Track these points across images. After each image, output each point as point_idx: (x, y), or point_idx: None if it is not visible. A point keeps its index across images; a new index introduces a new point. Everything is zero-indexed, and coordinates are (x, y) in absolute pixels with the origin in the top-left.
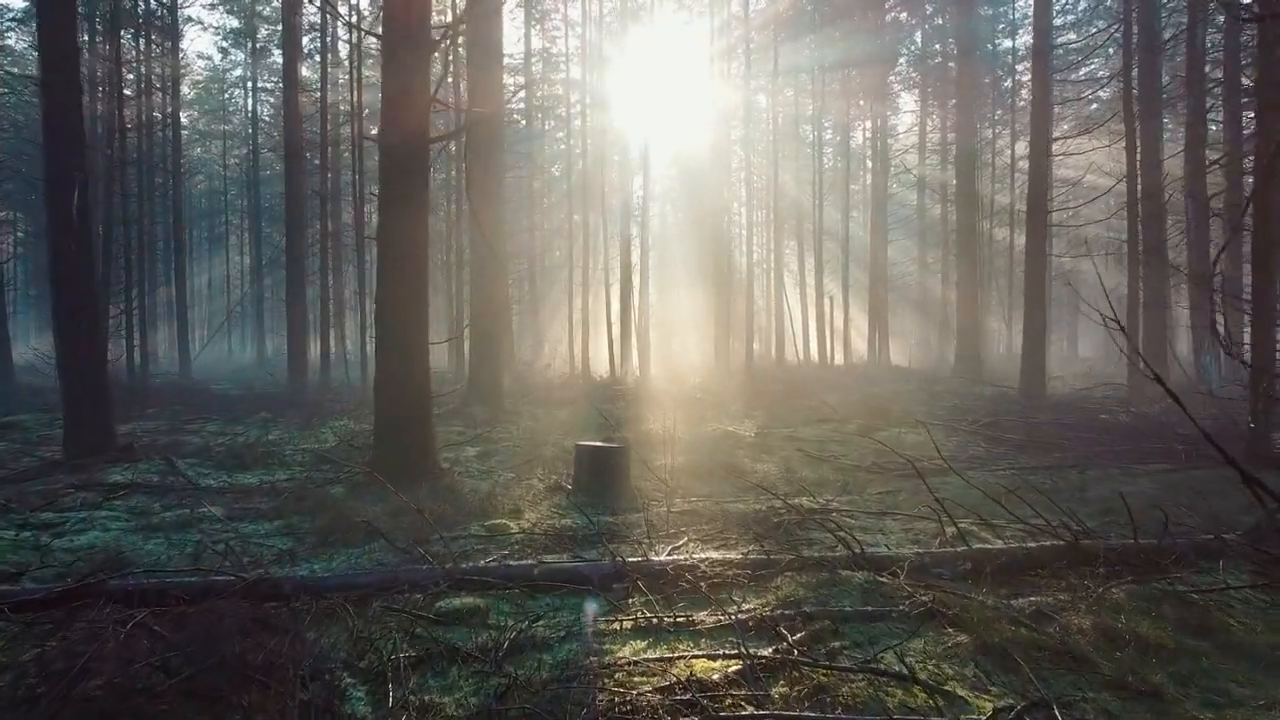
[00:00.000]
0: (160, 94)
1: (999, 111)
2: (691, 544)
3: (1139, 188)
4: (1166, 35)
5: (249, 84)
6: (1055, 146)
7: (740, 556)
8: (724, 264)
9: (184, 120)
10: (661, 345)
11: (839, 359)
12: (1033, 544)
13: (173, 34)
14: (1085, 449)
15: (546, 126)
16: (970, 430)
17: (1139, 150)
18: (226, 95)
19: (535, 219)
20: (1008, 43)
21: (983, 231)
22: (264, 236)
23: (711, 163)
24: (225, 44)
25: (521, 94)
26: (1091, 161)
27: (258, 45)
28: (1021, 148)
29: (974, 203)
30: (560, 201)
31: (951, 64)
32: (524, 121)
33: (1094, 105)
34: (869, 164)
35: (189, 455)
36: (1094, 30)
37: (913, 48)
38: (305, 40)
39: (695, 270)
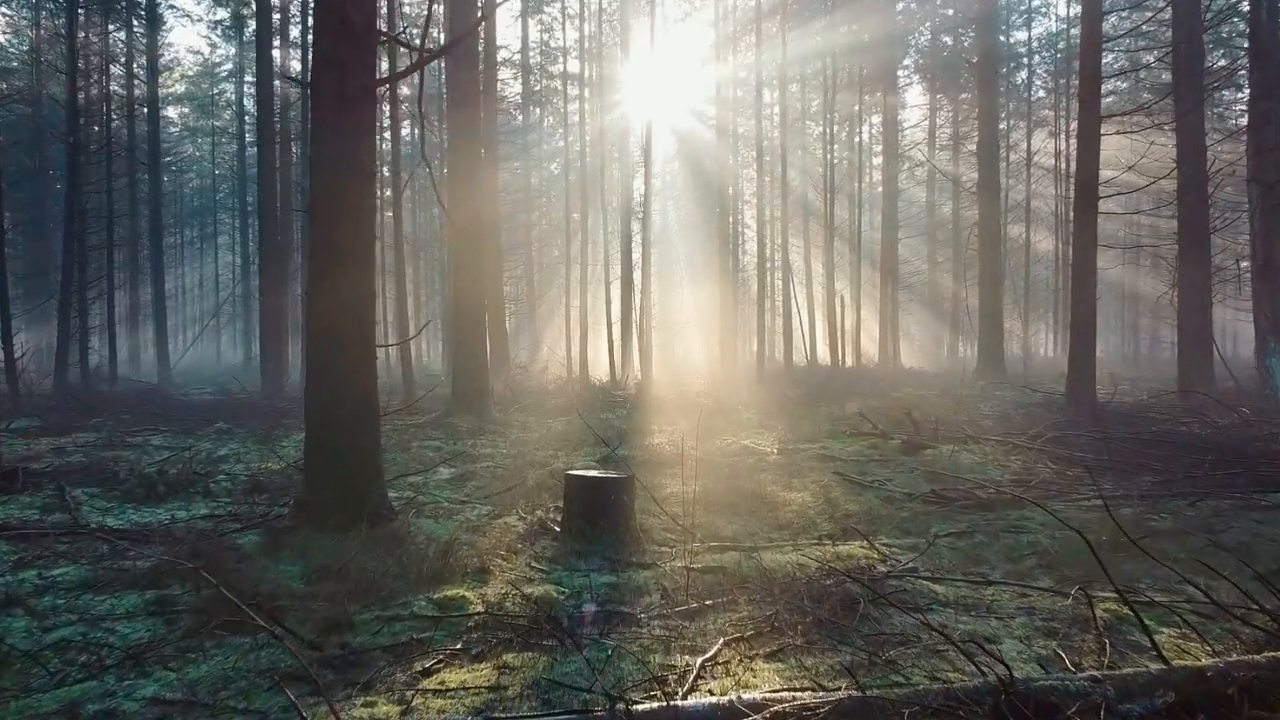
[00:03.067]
0: (144, 84)
1: (1012, 103)
2: (730, 649)
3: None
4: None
5: (238, 78)
6: (1073, 140)
7: (823, 701)
8: (729, 263)
9: (174, 116)
10: (663, 347)
11: (849, 361)
12: (1260, 657)
13: (151, 18)
14: (1182, 471)
15: (546, 122)
16: (1031, 446)
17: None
18: (216, 90)
19: (533, 216)
20: (1020, 34)
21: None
22: (252, 235)
23: (716, 157)
24: (215, 37)
25: (518, 86)
26: (1119, 156)
27: (246, 38)
28: (1038, 140)
29: (997, 193)
30: (559, 198)
31: (965, 56)
32: (520, 116)
33: (1110, 97)
34: (874, 160)
35: (96, 482)
36: (1115, 16)
37: (922, 38)
38: (295, 32)
39: (699, 269)
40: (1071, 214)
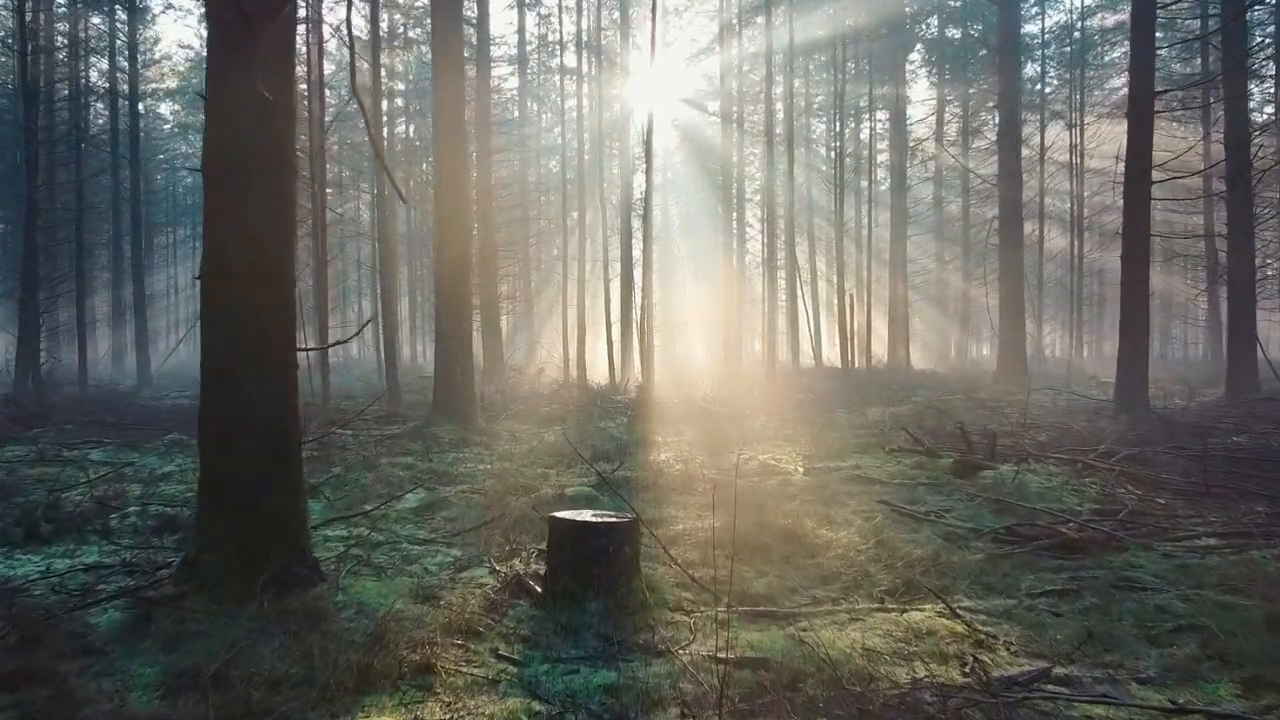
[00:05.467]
0: (125, 72)
1: (1022, 97)
2: None
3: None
4: None
5: None
6: (1089, 134)
7: None
8: (733, 260)
9: (166, 113)
10: (664, 347)
11: (858, 362)
12: None
13: (131, 6)
14: None
15: (544, 119)
16: (1104, 466)
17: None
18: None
19: (531, 212)
20: (1031, 27)
21: None
22: None
23: (719, 152)
24: (205, 30)
25: (515, 81)
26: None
27: None
28: (1052, 135)
29: (1019, 182)
30: (557, 194)
31: (984, 40)
32: (517, 111)
33: (1122, 91)
34: (880, 157)
35: None
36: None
37: (930, 31)
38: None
39: (701, 267)
40: (1085, 212)
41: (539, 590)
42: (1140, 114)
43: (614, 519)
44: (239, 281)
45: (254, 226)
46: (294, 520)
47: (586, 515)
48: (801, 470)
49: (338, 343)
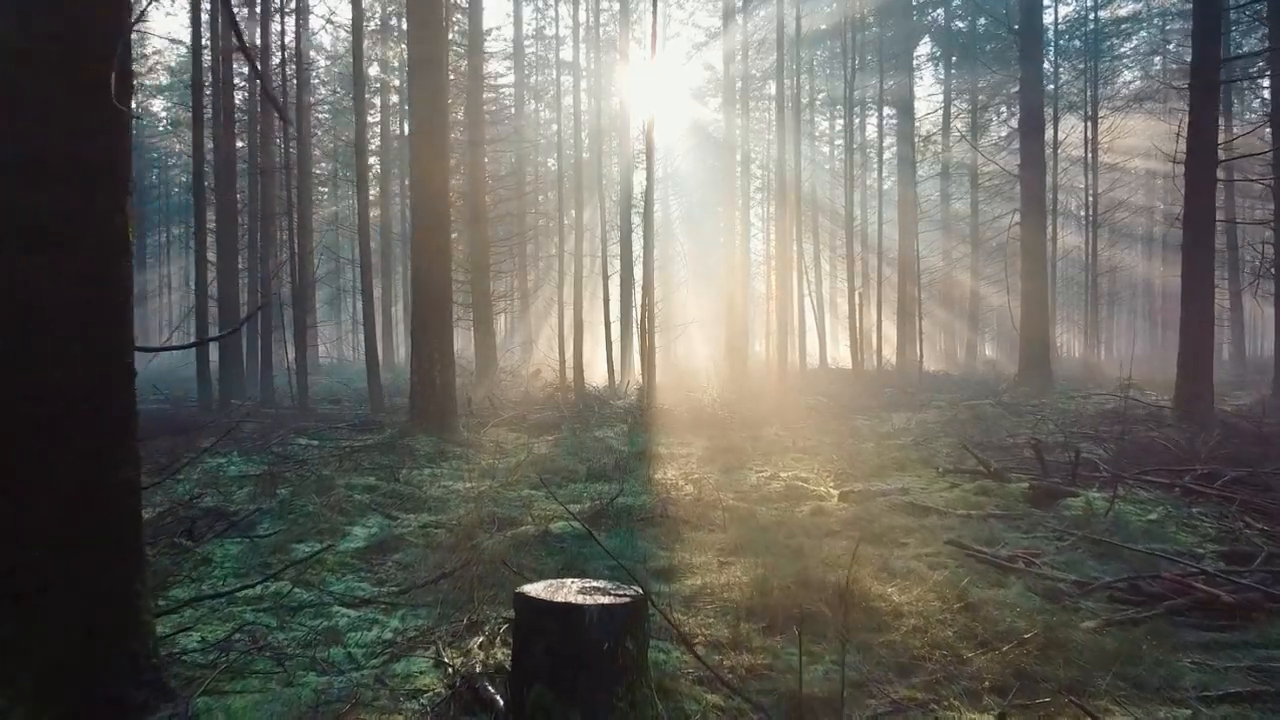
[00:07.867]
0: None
1: None
2: None
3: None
4: None
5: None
6: (1103, 128)
7: None
8: (736, 258)
9: (158, 110)
10: (665, 348)
11: (867, 364)
12: None
13: None
14: None
15: (542, 116)
16: (1210, 490)
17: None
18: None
19: (528, 208)
20: (1043, 19)
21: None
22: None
23: (721, 147)
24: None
25: (512, 78)
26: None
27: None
28: (1065, 127)
29: (1042, 172)
30: (555, 192)
31: (988, 45)
32: (513, 108)
33: (1136, 82)
34: (886, 155)
35: None
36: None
37: (937, 24)
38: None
39: (703, 265)
40: (1091, 214)
41: (500, 702)
42: (1205, 86)
43: (610, 598)
44: (31, 243)
45: (46, 154)
46: (123, 611)
47: (572, 591)
48: (836, 494)
49: (198, 343)
